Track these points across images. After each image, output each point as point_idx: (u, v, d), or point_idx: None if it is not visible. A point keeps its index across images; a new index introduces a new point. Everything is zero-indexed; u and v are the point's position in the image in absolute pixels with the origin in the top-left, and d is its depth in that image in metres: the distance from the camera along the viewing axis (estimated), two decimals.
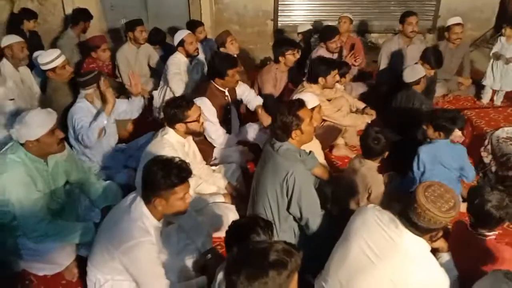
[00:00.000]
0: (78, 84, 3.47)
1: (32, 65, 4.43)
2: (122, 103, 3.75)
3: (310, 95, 3.24)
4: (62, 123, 3.36)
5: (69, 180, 2.93)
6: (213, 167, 3.56)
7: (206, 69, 4.96)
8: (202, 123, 3.07)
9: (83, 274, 2.56)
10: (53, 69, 3.76)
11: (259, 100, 4.11)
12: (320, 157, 3.32)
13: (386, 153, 2.94)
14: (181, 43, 4.53)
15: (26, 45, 4.22)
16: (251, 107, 4.08)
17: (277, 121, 2.54)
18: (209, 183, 3.33)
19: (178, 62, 4.54)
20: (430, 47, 4.49)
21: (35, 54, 4.29)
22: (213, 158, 3.77)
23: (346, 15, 5.41)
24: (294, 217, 2.64)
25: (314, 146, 3.23)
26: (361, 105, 4.40)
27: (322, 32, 4.93)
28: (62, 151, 2.75)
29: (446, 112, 3.35)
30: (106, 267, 2.26)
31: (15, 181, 2.50)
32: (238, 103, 4.16)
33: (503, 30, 5.05)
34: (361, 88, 5.09)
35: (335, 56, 4.80)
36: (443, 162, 3.13)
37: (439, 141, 3.16)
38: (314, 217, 2.57)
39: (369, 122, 4.06)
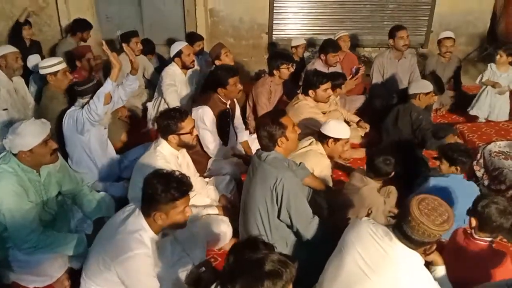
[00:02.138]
0: (76, 92, 3.45)
1: (29, 73, 4.43)
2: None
3: (344, 126, 3.24)
4: (56, 133, 3.35)
5: (61, 191, 2.91)
6: (206, 179, 3.55)
7: (201, 81, 5.01)
8: (196, 135, 3.06)
9: (74, 286, 2.54)
10: (54, 73, 3.75)
11: (246, 135, 4.15)
12: (328, 172, 3.30)
13: (392, 174, 2.94)
14: (178, 54, 4.54)
15: (20, 55, 4.22)
16: (239, 138, 4.11)
17: (262, 132, 2.58)
18: (202, 195, 3.32)
19: (173, 74, 4.54)
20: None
21: (33, 60, 4.29)
22: (207, 170, 3.76)
23: (345, 34, 5.47)
24: (286, 226, 2.63)
25: (324, 163, 3.23)
26: (355, 118, 4.44)
27: (325, 44, 4.94)
28: (55, 161, 2.73)
29: (457, 145, 3.32)
30: (102, 278, 2.23)
31: (6, 191, 2.48)
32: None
33: (497, 56, 4.74)
34: (355, 102, 5.13)
35: (331, 69, 4.83)
36: (455, 198, 2.96)
37: (455, 176, 3.06)
38: (305, 224, 2.57)
39: (363, 135, 4.08)
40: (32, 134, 2.53)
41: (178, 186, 2.14)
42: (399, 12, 6.91)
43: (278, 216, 2.58)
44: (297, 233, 2.62)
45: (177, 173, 2.21)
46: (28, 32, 5.74)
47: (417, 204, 1.92)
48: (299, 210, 2.55)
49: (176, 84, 4.53)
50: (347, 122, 4.34)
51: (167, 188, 2.11)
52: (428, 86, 3.91)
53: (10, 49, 4.16)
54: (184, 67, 4.60)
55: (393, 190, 3.20)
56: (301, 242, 2.65)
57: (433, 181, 3.09)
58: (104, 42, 3.33)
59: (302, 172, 2.94)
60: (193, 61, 4.64)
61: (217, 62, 4.68)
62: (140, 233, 2.18)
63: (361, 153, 4.23)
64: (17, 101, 4.05)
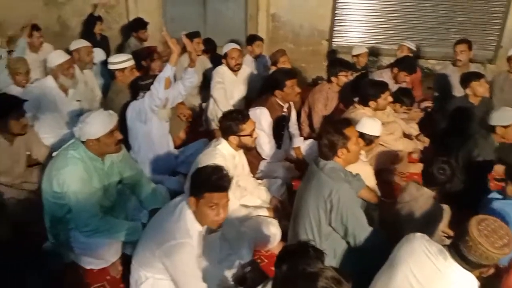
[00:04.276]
0: (139, 86, 3.62)
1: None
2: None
3: (379, 123, 3.23)
4: (120, 125, 3.53)
5: (122, 180, 3.05)
6: (259, 181, 3.59)
7: (257, 84, 5.09)
8: (255, 138, 3.11)
9: (126, 272, 2.65)
10: (122, 70, 3.95)
11: (300, 141, 4.16)
12: (371, 181, 3.27)
13: (446, 185, 2.83)
14: (225, 55, 4.70)
15: (92, 49, 4.49)
16: (293, 143, 4.14)
17: (323, 139, 2.55)
18: (254, 195, 3.36)
19: (222, 73, 4.71)
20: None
21: (98, 55, 4.54)
22: (258, 171, 3.81)
23: (405, 44, 5.35)
24: (336, 236, 2.60)
25: (366, 170, 3.19)
26: (415, 131, 4.32)
27: (403, 61, 4.83)
28: (119, 151, 2.88)
29: None
30: (148, 265, 2.32)
31: (74, 176, 2.64)
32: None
33: None
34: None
35: (396, 86, 4.71)
36: None
37: None
38: (361, 235, 2.51)
39: (421, 149, 3.97)
40: (100, 124, 2.68)
41: (216, 180, 2.17)
42: (467, 25, 6.63)
43: (330, 225, 2.56)
44: (349, 244, 2.59)
45: (224, 171, 2.24)
46: (100, 27, 6.09)
47: (477, 224, 1.85)
48: (356, 222, 2.51)
49: (225, 83, 4.67)
50: (407, 136, 4.25)
51: (206, 177, 2.18)
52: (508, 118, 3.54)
53: (84, 43, 4.44)
54: (230, 68, 4.71)
55: (446, 209, 3.07)
56: (350, 252, 2.61)
57: (497, 204, 2.95)
58: (164, 29, 3.45)
59: (358, 184, 2.91)
60: (238, 64, 4.72)
61: (273, 68, 4.75)
62: (185, 223, 2.25)
63: (418, 167, 4.10)
64: (87, 93, 4.31)
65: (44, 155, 3.53)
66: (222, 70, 4.74)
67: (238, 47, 4.78)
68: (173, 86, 3.60)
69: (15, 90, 4.00)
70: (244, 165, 3.26)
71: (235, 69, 4.76)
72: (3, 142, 3.21)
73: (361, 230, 2.52)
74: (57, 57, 3.98)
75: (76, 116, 2.91)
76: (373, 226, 2.60)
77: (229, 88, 4.79)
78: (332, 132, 2.52)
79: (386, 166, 3.98)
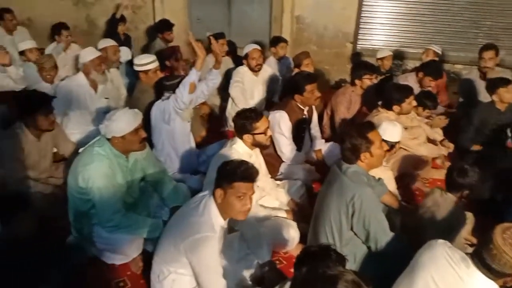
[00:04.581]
0: (164, 87, 3.68)
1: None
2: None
3: (400, 128, 3.20)
4: (144, 124, 3.58)
5: (145, 177, 3.10)
6: (278, 182, 3.59)
7: (279, 85, 5.11)
8: (269, 136, 3.12)
9: (146, 268, 2.69)
10: (146, 71, 4.03)
11: (321, 144, 4.15)
12: (392, 186, 3.24)
13: (467, 191, 2.75)
14: (245, 56, 4.73)
15: (119, 49, 4.57)
16: (314, 145, 4.14)
17: (346, 143, 2.53)
18: (272, 196, 3.37)
19: (242, 72, 4.78)
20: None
21: (124, 54, 4.63)
22: (279, 173, 3.81)
23: (431, 48, 5.27)
24: (357, 240, 2.58)
25: (386, 174, 3.16)
26: (439, 137, 4.25)
27: (429, 66, 4.78)
28: (143, 149, 2.93)
29: None
30: (172, 259, 2.35)
31: (98, 172, 2.69)
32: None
33: None
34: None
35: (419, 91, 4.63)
36: None
37: None
38: (383, 240, 2.49)
39: (446, 154, 3.90)
40: (125, 121, 2.73)
41: (244, 171, 2.23)
42: (496, 30, 6.47)
43: (351, 229, 2.54)
44: (369, 248, 2.57)
45: (250, 163, 2.30)
46: (123, 28, 6.20)
47: (502, 233, 1.81)
48: (378, 227, 2.49)
49: (244, 83, 4.74)
50: (432, 141, 4.19)
51: (233, 168, 2.23)
52: None
53: (110, 42, 4.54)
54: (250, 69, 4.73)
55: (470, 216, 3.01)
56: (370, 257, 2.59)
57: None
58: (191, 33, 3.48)
59: (381, 188, 2.88)
60: (259, 64, 4.78)
61: (296, 70, 4.74)
62: (209, 217, 2.28)
63: (442, 173, 4.03)
64: (113, 91, 4.40)
65: (70, 151, 3.63)
66: (243, 70, 4.82)
67: (258, 47, 4.83)
68: (197, 87, 3.64)
69: (44, 87, 4.12)
70: (261, 164, 3.26)
71: (255, 70, 4.81)
72: (31, 138, 3.30)
73: (383, 235, 2.49)
74: (90, 53, 4.13)
75: (103, 114, 2.98)
76: (394, 231, 2.57)
77: (249, 88, 4.84)
78: (356, 135, 2.50)
79: (409, 171, 3.93)
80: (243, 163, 2.28)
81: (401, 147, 3.74)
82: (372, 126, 2.60)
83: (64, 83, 4.13)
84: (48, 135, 3.42)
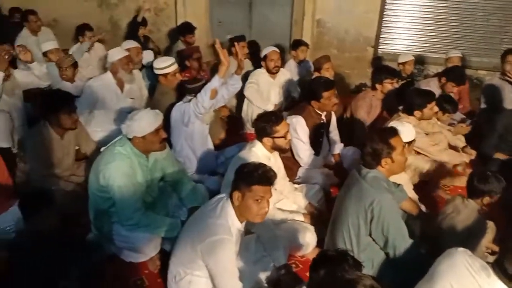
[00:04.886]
0: (185, 90, 3.72)
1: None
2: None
3: (409, 128, 3.15)
4: (164, 125, 3.63)
5: (164, 177, 3.14)
6: (296, 186, 3.58)
7: (297, 88, 5.10)
8: (289, 140, 3.12)
9: (164, 267, 2.71)
10: (165, 75, 4.08)
11: (340, 148, 4.13)
12: (409, 189, 3.20)
13: (488, 198, 2.70)
14: (264, 58, 4.74)
15: (141, 50, 4.64)
16: (333, 149, 4.12)
17: (367, 147, 2.50)
18: (289, 200, 3.36)
19: (257, 75, 4.83)
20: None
21: (147, 57, 4.69)
22: (297, 177, 3.80)
23: (455, 55, 5.19)
24: (375, 246, 2.56)
25: (402, 178, 3.12)
26: (461, 143, 4.18)
27: (455, 74, 4.68)
28: (163, 149, 2.97)
29: None
30: (188, 261, 2.36)
31: (119, 171, 2.74)
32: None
33: None
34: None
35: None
36: None
37: None
38: (402, 247, 2.46)
39: (467, 162, 3.83)
40: (147, 122, 2.78)
41: (262, 174, 2.24)
42: None
43: (370, 235, 2.52)
44: (387, 255, 2.54)
45: (268, 167, 2.30)
46: (143, 31, 6.29)
47: None
48: (397, 233, 2.46)
49: (260, 85, 4.80)
50: (453, 147, 4.12)
51: (251, 171, 2.24)
52: None
53: (134, 44, 4.62)
54: (268, 71, 4.74)
55: (491, 225, 2.96)
56: (388, 264, 2.56)
57: None
58: (217, 41, 3.53)
59: (401, 194, 2.84)
60: (277, 66, 4.81)
61: (316, 74, 4.73)
62: (226, 220, 2.29)
63: (463, 181, 3.96)
64: (137, 92, 4.47)
65: (91, 150, 3.69)
66: (259, 72, 4.86)
67: (277, 50, 4.87)
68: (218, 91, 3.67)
69: (65, 86, 4.23)
70: (279, 167, 3.26)
71: (273, 72, 4.85)
72: (55, 136, 3.38)
73: (402, 242, 2.46)
74: (118, 53, 4.24)
75: (126, 113, 3.04)
76: (414, 238, 2.54)
77: (265, 90, 4.88)
78: (377, 140, 2.48)
79: (429, 178, 3.87)
80: (261, 166, 2.28)
81: (422, 153, 3.70)
82: (395, 132, 2.57)
83: (91, 82, 4.22)
84: (71, 134, 3.49)
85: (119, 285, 2.83)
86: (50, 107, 3.30)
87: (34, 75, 4.14)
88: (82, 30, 5.52)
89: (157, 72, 4.16)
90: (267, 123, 3.00)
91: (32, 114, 4.28)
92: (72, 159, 3.57)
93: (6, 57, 3.67)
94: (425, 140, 3.73)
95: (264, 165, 2.30)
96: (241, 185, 2.26)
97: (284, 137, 3.05)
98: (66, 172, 3.50)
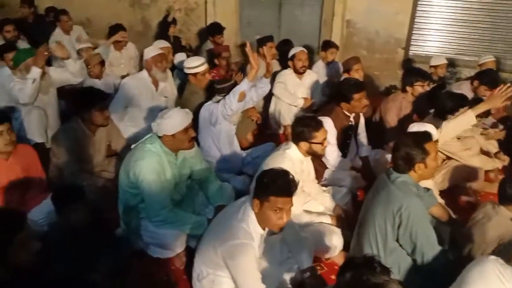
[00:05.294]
0: (215, 89, 3.77)
1: (172, 68, 4.91)
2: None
3: (430, 127, 3.09)
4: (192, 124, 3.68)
5: (191, 175, 3.19)
6: (323, 188, 3.56)
7: (325, 89, 5.07)
8: (325, 147, 3.09)
9: (189, 264, 2.75)
10: (194, 74, 4.14)
11: (368, 150, 4.09)
12: (437, 196, 3.13)
13: None
14: (292, 57, 4.74)
15: (172, 50, 4.71)
16: (360, 152, 4.09)
17: (400, 152, 2.46)
18: (317, 201, 3.35)
19: (285, 75, 4.85)
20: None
21: (179, 58, 4.76)
22: (323, 179, 3.78)
23: (489, 59, 5.06)
24: (402, 251, 2.52)
25: (428, 184, 3.05)
26: (494, 149, 4.07)
27: (489, 77, 4.55)
28: (191, 148, 3.01)
29: None
30: (210, 261, 2.39)
31: (149, 168, 2.79)
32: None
33: None
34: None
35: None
36: None
37: None
38: (430, 253, 2.42)
39: (500, 168, 3.73)
40: (177, 121, 2.82)
41: (282, 185, 2.19)
42: None
43: (397, 240, 2.49)
44: (415, 261, 2.50)
45: (291, 175, 2.25)
46: (173, 30, 6.37)
47: None
48: (425, 240, 2.42)
49: (287, 85, 4.81)
50: (486, 153, 4.01)
51: (272, 181, 2.20)
52: None
53: (165, 43, 4.70)
54: (295, 71, 4.73)
55: None
56: (415, 269, 2.52)
57: None
58: (248, 44, 3.54)
59: (430, 200, 2.79)
60: (304, 66, 4.82)
61: (345, 75, 4.69)
62: (247, 224, 2.29)
63: (495, 187, 3.85)
64: (170, 91, 4.53)
65: (121, 147, 3.77)
66: (285, 73, 4.89)
67: (305, 50, 4.89)
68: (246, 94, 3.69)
69: (94, 82, 4.34)
70: (310, 171, 3.26)
71: (300, 71, 4.86)
72: (87, 132, 3.47)
73: (430, 249, 2.42)
74: (152, 50, 4.30)
75: (159, 111, 3.09)
76: (443, 245, 2.48)
77: (292, 90, 4.86)
78: (412, 145, 2.43)
79: (460, 183, 3.79)
80: (281, 175, 2.23)
81: (452, 158, 3.62)
82: (429, 137, 2.51)
83: (128, 79, 4.29)
84: (102, 130, 3.58)
85: (146, 280, 2.87)
86: (83, 104, 3.39)
87: (69, 71, 4.25)
88: (116, 30, 5.63)
89: (187, 71, 4.22)
90: (306, 128, 2.97)
91: (65, 111, 4.41)
92: (103, 155, 3.66)
93: (46, 53, 3.79)
94: (457, 144, 3.65)
95: (286, 174, 2.25)
96: (260, 194, 2.24)
97: (322, 143, 3.01)
98: (97, 168, 3.59)
